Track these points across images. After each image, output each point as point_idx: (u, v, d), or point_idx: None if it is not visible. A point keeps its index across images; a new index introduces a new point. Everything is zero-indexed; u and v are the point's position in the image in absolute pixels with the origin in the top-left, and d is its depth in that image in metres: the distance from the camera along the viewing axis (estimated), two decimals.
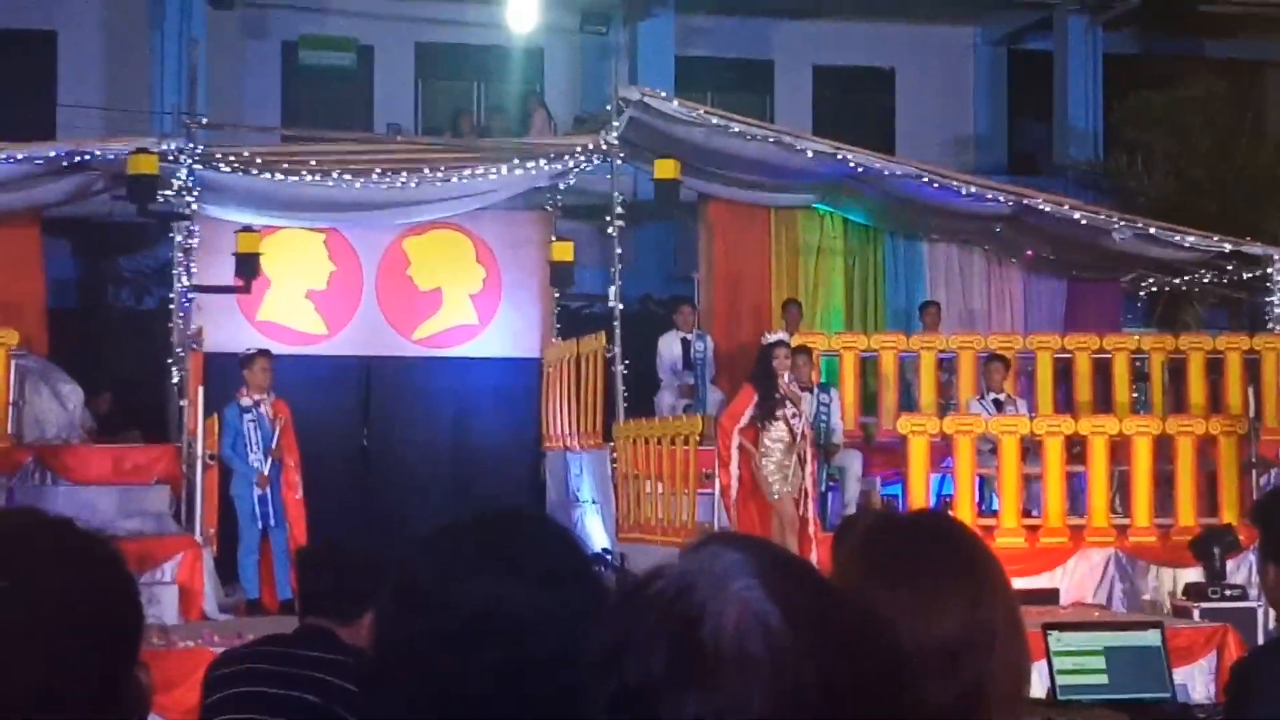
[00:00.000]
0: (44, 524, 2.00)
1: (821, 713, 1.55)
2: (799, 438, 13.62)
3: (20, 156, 15.85)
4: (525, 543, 2.01)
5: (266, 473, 14.24)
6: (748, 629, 1.56)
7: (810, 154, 17.02)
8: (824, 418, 15.07)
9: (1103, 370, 16.76)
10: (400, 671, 1.91)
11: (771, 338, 14.28)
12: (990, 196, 17.55)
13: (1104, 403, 16.46)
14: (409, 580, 1.96)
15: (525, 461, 17.97)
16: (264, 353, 14.79)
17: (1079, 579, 14.39)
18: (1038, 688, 6.62)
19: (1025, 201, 17.46)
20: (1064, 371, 16.89)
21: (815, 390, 15.11)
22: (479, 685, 1.87)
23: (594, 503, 16.09)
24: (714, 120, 16.73)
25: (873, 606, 2.00)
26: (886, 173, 17.26)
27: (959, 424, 14.75)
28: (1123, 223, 17.46)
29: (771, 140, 17.00)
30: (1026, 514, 14.69)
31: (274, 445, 14.36)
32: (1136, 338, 17.42)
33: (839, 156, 17.05)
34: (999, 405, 15.50)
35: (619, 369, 16.10)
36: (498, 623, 1.89)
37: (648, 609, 1.59)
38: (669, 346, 17.02)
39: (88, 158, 15.88)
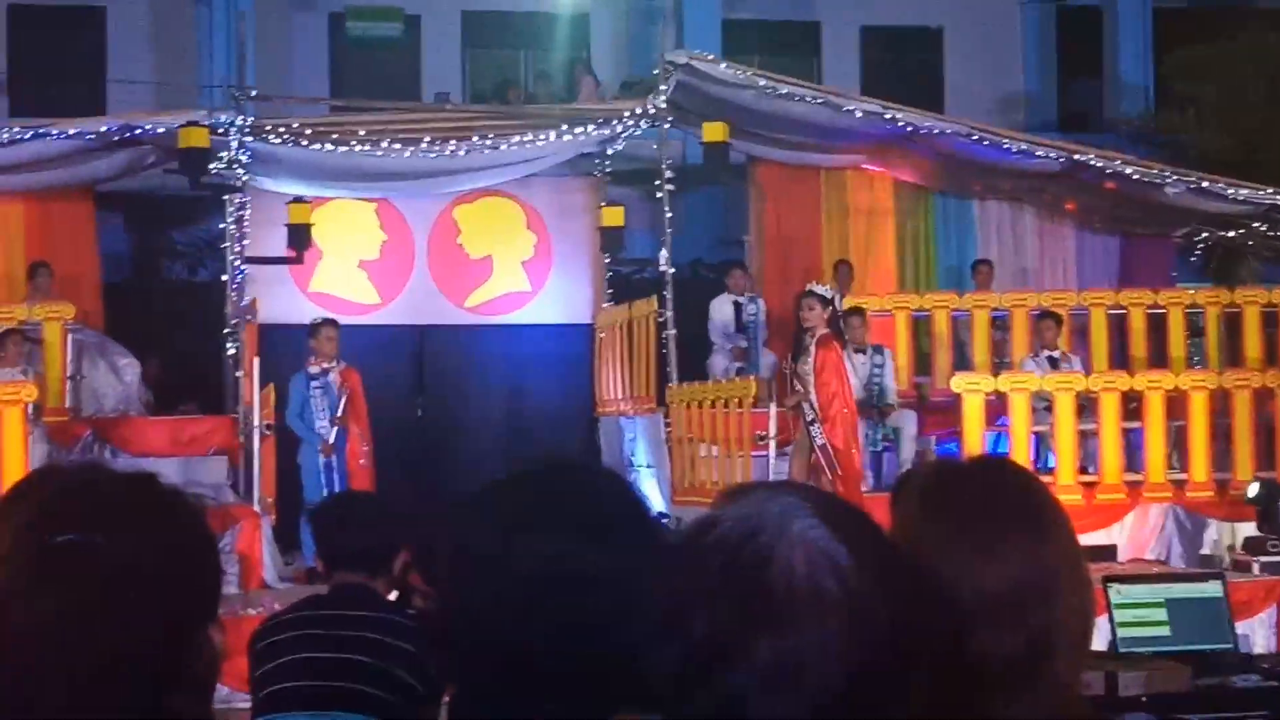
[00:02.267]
0: (127, 479, 2.00)
1: (891, 656, 1.54)
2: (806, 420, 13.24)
3: (72, 132, 15.95)
4: (581, 496, 1.98)
5: (332, 441, 14.30)
6: (818, 569, 1.54)
7: (859, 114, 16.95)
8: (877, 378, 15.03)
9: (1158, 325, 16.67)
10: (463, 632, 1.90)
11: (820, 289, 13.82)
12: (1041, 153, 17.44)
13: (1159, 358, 16.36)
14: (466, 540, 1.95)
15: (579, 427, 17.97)
16: (329, 321, 14.83)
17: (1136, 535, 14.33)
18: (1099, 641, 6.61)
19: (1077, 158, 17.35)
20: (1118, 327, 16.80)
21: (868, 351, 15.07)
22: (541, 643, 1.85)
23: (649, 467, 16.09)
24: (762, 82, 16.68)
25: (934, 555, 2.05)
26: (937, 131, 17.18)
27: (1014, 382, 14.69)
28: (1175, 177, 17.33)
29: (820, 101, 16.95)
30: (1083, 470, 14.63)
31: (339, 413, 14.41)
32: (1191, 292, 17.27)
33: (888, 116, 16.98)
34: (1053, 362, 15.43)
35: (671, 333, 16.11)
36: (558, 580, 1.86)
37: (710, 557, 1.57)
38: (721, 310, 16.98)
39: (139, 132, 15.95)
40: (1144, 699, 6.05)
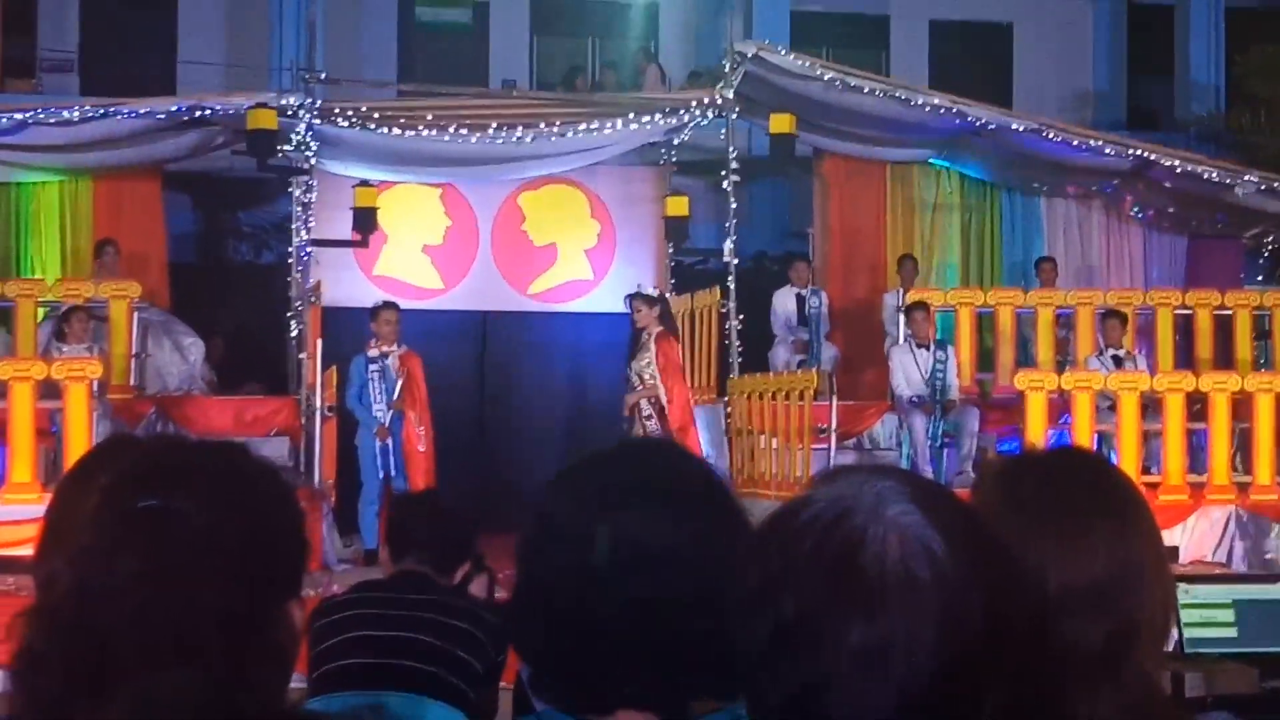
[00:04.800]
0: (219, 448, 2.01)
1: (980, 645, 1.52)
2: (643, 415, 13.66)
3: (142, 111, 16.05)
4: (662, 473, 1.98)
5: (387, 424, 14.33)
6: (912, 554, 1.52)
7: (927, 108, 16.88)
8: (940, 374, 14.97)
9: (1224, 326, 16.55)
10: (543, 610, 1.89)
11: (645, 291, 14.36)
12: (1110, 151, 17.34)
13: (1225, 359, 16.25)
14: (548, 517, 1.94)
15: None
16: (389, 305, 14.84)
17: (1199, 537, 14.20)
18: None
19: (1147, 156, 17.24)
20: (1184, 328, 16.68)
21: (932, 346, 15.03)
22: (621, 624, 1.84)
23: (708, 457, 16.07)
24: (830, 74, 16.63)
25: (1018, 545, 1.98)
26: (1005, 127, 17.08)
27: (1077, 380, 14.58)
28: (1246, 177, 17.19)
29: (888, 94, 16.88)
30: (1146, 471, 14.52)
31: (396, 397, 14.43)
32: (1258, 294, 17.14)
33: (956, 111, 16.90)
34: (1118, 361, 15.33)
35: (734, 324, 16.09)
36: (639, 560, 1.85)
37: (802, 537, 1.56)
38: (784, 302, 16.95)
39: (208, 113, 16.03)
40: (1210, 699, 6.00)
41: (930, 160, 18.31)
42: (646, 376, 13.70)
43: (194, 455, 1.99)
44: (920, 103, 16.89)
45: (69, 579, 1.84)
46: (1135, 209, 18.54)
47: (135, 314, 15.51)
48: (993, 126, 17.03)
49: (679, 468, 2.02)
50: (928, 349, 14.94)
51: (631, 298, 14.07)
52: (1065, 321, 16.78)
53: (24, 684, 1.79)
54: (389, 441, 14.31)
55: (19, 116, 15.83)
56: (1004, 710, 1.56)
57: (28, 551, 12.60)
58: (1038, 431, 14.24)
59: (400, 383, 14.44)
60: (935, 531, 1.54)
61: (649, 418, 13.57)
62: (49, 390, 13.55)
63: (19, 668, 1.80)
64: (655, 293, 14.18)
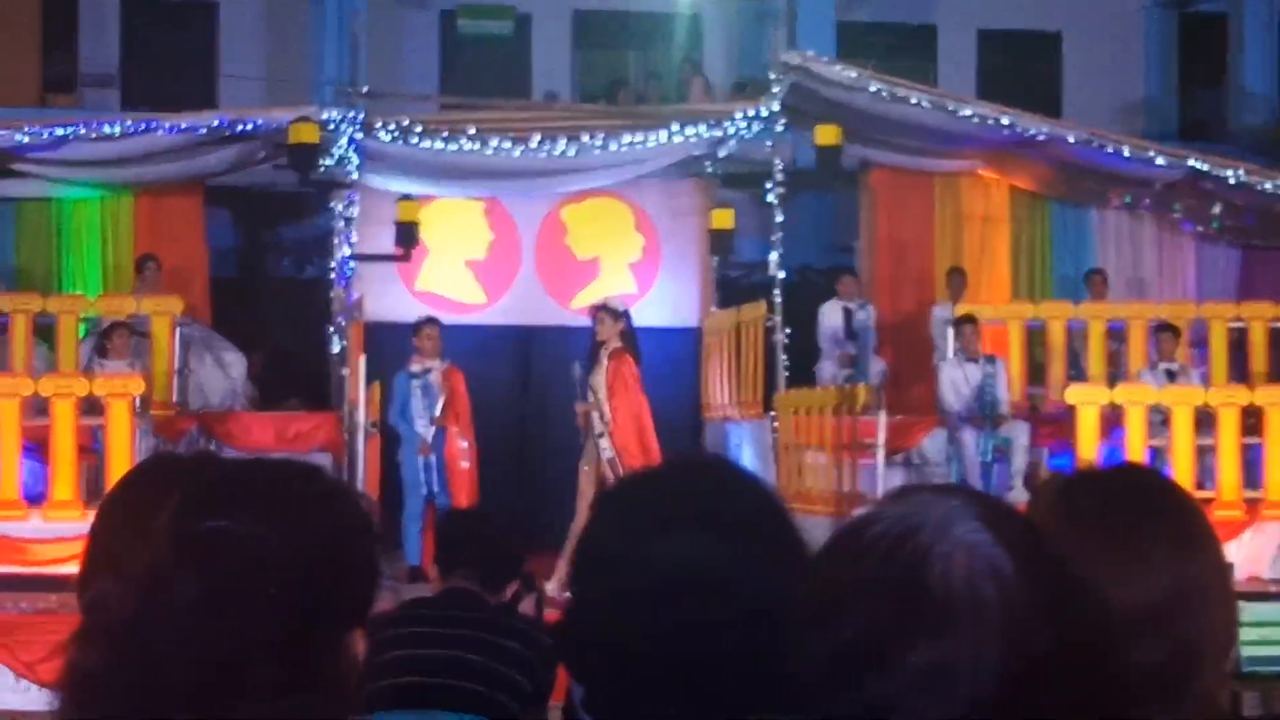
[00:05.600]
0: (295, 470, 1.97)
1: (1046, 668, 1.48)
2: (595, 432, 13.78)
3: (183, 126, 16.13)
4: (717, 494, 1.93)
5: (430, 440, 14.28)
6: (979, 574, 1.48)
7: (975, 119, 16.74)
8: (990, 388, 14.83)
9: (1278, 339, 16.35)
10: (593, 629, 1.86)
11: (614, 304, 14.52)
12: (1162, 161, 17.16)
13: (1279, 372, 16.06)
14: (600, 538, 1.91)
15: (685, 431, 17.79)
16: (431, 320, 14.86)
17: (1254, 553, 14.01)
18: None
19: (1200, 167, 17.06)
20: (1238, 341, 16.50)
21: (981, 360, 14.88)
22: (676, 644, 1.81)
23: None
24: (877, 85, 16.50)
25: (1079, 564, 1.96)
26: (1060, 138, 16.91)
27: (1130, 394, 14.42)
28: None
29: (935, 105, 16.74)
30: (1199, 486, 14.31)
31: (438, 413, 14.38)
32: None
33: (1005, 121, 16.75)
34: (1171, 375, 15.15)
35: (780, 338, 15.98)
36: (690, 581, 1.82)
37: (866, 555, 1.52)
38: (830, 315, 16.85)
39: (249, 127, 16.08)
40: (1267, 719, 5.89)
41: (979, 171, 18.14)
42: (599, 392, 13.80)
43: (266, 476, 1.96)
44: (969, 113, 16.76)
45: (128, 599, 1.82)
46: (1188, 221, 18.32)
47: (177, 330, 15.56)
48: (1043, 137, 16.87)
49: (731, 486, 1.97)
50: (977, 363, 14.81)
51: (596, 308, 14.25)
52: (1117, 335, 16.64)
53: (76, 705, 1.79)
54: (431, 458, 14.28)
55: (60, 132, 15.98)
56: None
57: (70, 569, 12.62)
58: (1089, 447, 14.10)
59: (443, 398, 14.41)
60: (1003, 551, 1.51)
61: (600, 435, 13.70)
62: (91, 407, 13.62)
63: (71, 688, 1.81)
64: (621, 307, 14.31)
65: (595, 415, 13.66)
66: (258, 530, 1.82)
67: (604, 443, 13.54)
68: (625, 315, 14.12)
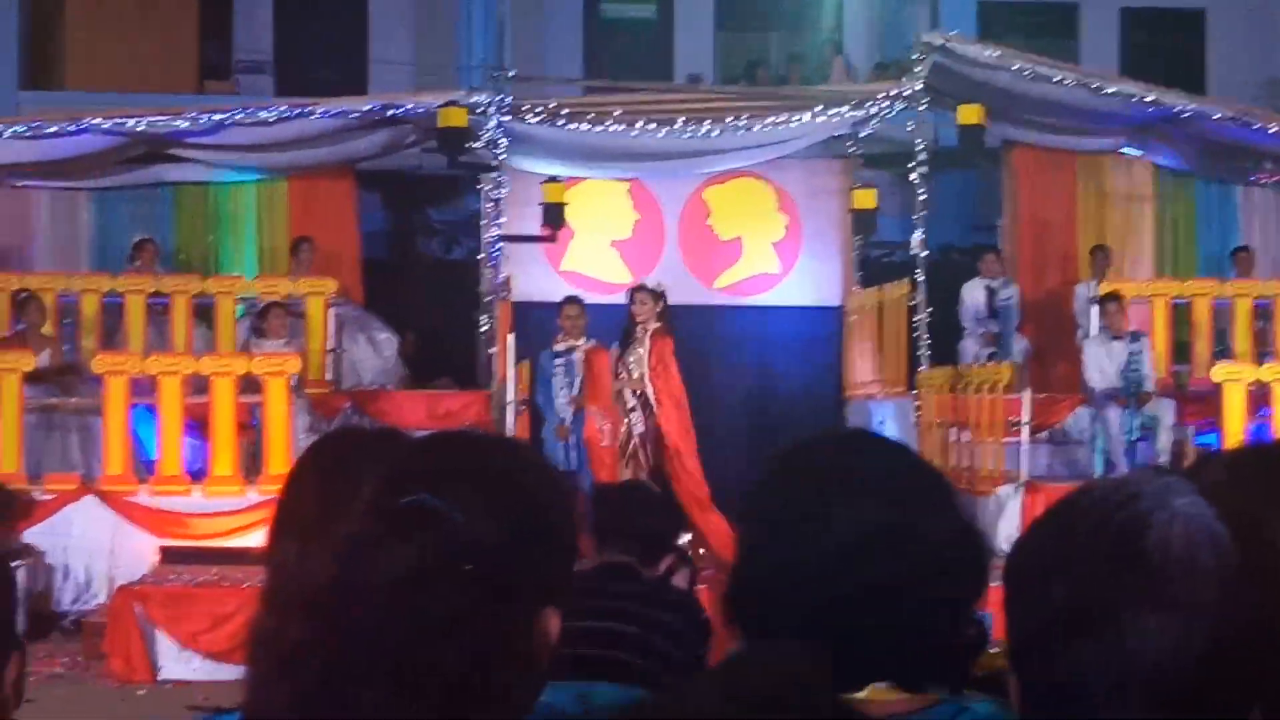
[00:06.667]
0: (503, 447, 2.00)
1: (1255, 644, 1.49)
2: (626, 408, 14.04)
3: (335, 111, 16.32)
4: (887, 461, 1.98)
5: (569, 421, 14.39)
6: (1199, 544, 1.49)
7: (1120, 97, 16.60)
8: (1135, 366, 14.74)
9: None
10: (772, 593, 1.89)
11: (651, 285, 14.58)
12: None
13: None
14: (781, 503, 1.94)
15: (827, 410, 17.87)
16: (573, 300, 14.96)
17: None
18: None
19: None
20: None
21: (1126, 338, 14.80)
22: (854, 606, 1.84)
23: None
24: (1020, 64, 16.43)
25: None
26: (1205, 115, 16.74)
27: (1277, 372, 14.29)
28: None
29: (1079, 83, 16.62)
30: None
31: (576, 392, 14.50)
32: None
33: (1149, 99, 16.60)
34: None
35: (923, 316, 15.97)
36: (876, 542, 1.85)
37: (1080, 523, 1.54)
38: (973, 294, 16.79)
39: (399, 111, 16.25)
40: None
41: (1122, 150, 18.01)
42: (634, 371, 13.91)
43: (474, 452, 1.95)
44: (1113, 91, 16.60)
45: (327, 568, 1.78)
46: None
47: (331, 310, 15.82)
48: (1188, 114, 16.69)
49: (897, 454, 2.03)
50: (1122, 340, 14.73)
51: (636, 290, 14.39)
52: (1263, 312, 16.43)
53: (272, 672, 1.73)
54: (570, 438, 14.38)
55: (218, 118, 16.18)
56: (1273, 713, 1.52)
57: (231, 543, 12.94)
58: (1236, 425, 13.97)
59: (581, 377, 14.52)
60: (1221, 524, 1.51)
61: (632, 410, 13.82)
62: (248, 385, 13.88)
63: (267, 656, 1.75)
64: (661, 289, 14.45)
65: (629, 392, 13.85)
66: (464, 505, 1.79)
67: (634, 417, 13.77)
68: (663, 296, 14.26)
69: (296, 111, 16.23)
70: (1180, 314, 16.52)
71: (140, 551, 13.09)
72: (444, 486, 1.81)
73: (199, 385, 13.96)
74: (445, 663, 1.69)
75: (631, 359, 13.98)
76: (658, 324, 14.03)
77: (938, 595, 1.82)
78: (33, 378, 14.09)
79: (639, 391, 13.83)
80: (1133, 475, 1.58)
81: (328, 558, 1.80)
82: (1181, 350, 16.47)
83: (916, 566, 1.85)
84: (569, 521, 1.96)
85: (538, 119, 16.19)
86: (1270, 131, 16.77)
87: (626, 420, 13.83)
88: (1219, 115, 16.76)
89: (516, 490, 1.89)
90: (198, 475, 13.84)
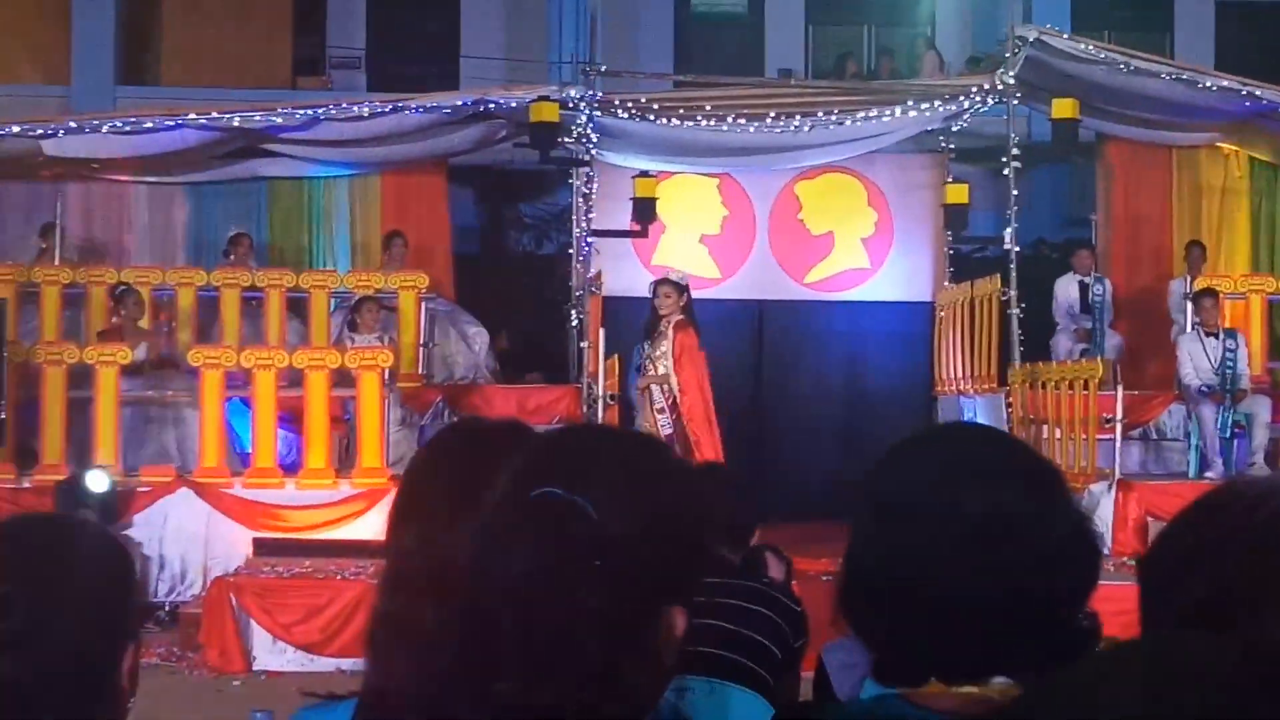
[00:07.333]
0: (635, 442, 2.01)
1: None
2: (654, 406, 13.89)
3: (428, 106, 16.40)
4: (1000, 450, 2.00)
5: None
6: None
7: (1216, 90, 16.43)
8: (1230, 362, 14.60)
9: None
10: (895, 582, 1.89)
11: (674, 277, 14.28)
12: None
13: None
14: (902, 490, 1.95)
15: (917, 405, 17.80)
16: (664, 281, 14.76)
17: None
18: None
19: None
20: None
21: (1221, 334, 14.67)
22: (979, 592, 1.85)
23: None
24: (1114, 57, 16.29)
25: None
26: None
27: None
28: None
29: (1175, 77, 16.46)
30: None
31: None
32: None
33: (1245, 92, 16.42)
34: None
35: (1015, 312, 15.88)
36: (1000, 528, 1.86)
37: (1220, 517, 1.55)
38: (1066, 289, 16.68)
39: (492, 107, 16.31)
40: None
41: (1218, 144, 17.83)
42: (660, 364, 13.82)
43: (612, 448, 1.95)
44: (1209, 85, 16.44)
45: (463, 560, 1.81)
46: None
47: (423, 304, 15.91)
48: None
49: (1008, 441, 2.07)
50: (1217, 337, 14.59)
51: (659, 283, 14.18)
52: None
53: (406, 656, 1.76)
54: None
55: (311, 113, 16.32)
56: None
57: (324, 535, 13.02)
58: None
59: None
60: None
61: (660, 410, 13.75)
62: (342, 378, 13.99)
63: (406, 640, 1.78)
64: (684, 281, 14.25)
65: (657, 388, 13.79)
66: (596, 500, 1.79)
67: (663, 418, 13.71)
68: (686, 289, 14.17)
69: (390, 107, 16.33)
70: (1276, 310, 16.34)
71: (234, 543, 13.22)
72: (578, 481, 1.82)
73: (293, 378, 14.08)
74: (576, 656, 1.71)
75: (657, 352, 13.90)
76: (680, 316, 13.93)
77: (1059, 585, 1.84)
78: (130, 370, 14.28)
79: (666, 390, 13.76)
80: (1260, 478, 1.57)
81: (458, 546, 1.83)
82: (1277, 346, 16.29)
83: (1042, 555, 1.86)
84: (700, 524, 1.95)
85: (628, 114, 16.21)
86: None
87: (654, 418, 13.77)
88: None
89: (648, 487, 1.87)
90: (291, 468, 13.98)
